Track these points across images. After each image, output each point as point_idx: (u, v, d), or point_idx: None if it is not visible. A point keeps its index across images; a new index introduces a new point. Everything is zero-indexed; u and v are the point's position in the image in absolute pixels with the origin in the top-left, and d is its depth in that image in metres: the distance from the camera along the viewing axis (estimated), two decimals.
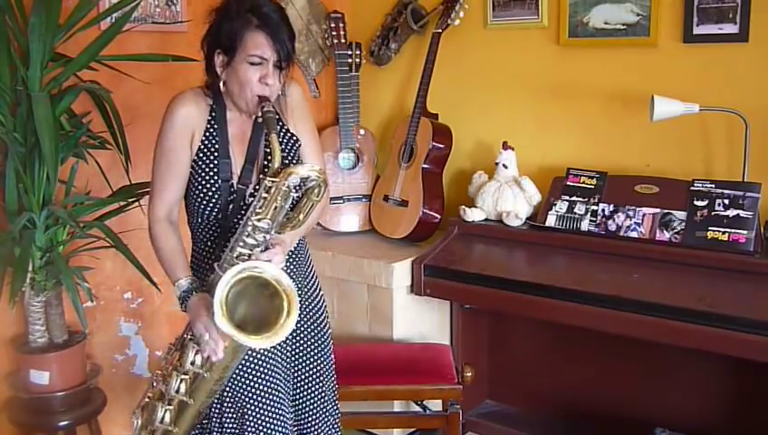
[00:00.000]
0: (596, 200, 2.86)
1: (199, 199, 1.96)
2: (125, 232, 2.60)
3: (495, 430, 3.20)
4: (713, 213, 2.63)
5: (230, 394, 1.98)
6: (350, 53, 3.53)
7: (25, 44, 2.37)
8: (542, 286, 2.70)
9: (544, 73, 3.19)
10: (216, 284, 1.70)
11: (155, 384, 1.95)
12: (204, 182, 1.94)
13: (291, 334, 1.92)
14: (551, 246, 2.90)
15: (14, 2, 2.40)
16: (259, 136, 1.98)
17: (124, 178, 2.68)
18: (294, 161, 2.02)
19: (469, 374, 2.74)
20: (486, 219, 3.12)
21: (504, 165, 3.11)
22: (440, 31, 3.29)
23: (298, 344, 2.10)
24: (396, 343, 3.09)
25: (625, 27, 2.92)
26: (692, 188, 2.71)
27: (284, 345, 2.05)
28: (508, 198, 3.05)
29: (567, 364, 3.13)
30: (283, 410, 2.03)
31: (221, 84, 1.94)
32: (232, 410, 1.98)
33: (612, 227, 2.79)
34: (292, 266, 2.03)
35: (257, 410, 1.98)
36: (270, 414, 1.99)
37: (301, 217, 1.85)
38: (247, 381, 1.98)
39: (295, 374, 2.11)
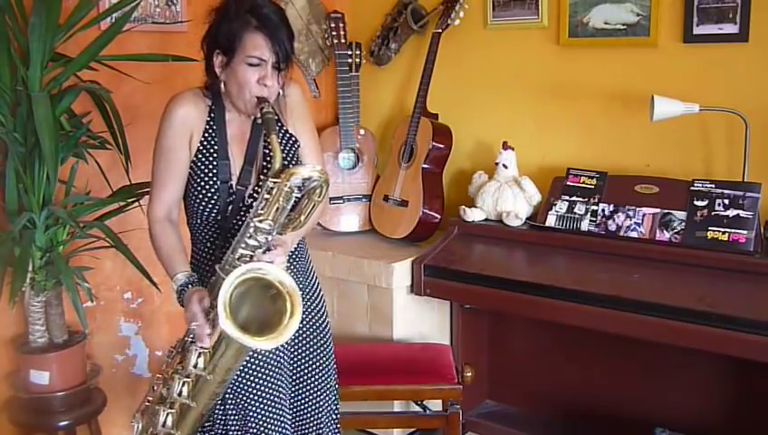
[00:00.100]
0: (596, 200, 2.86)
1: (198, 200, 1.95)
2: (125, 232, 2.60)
3: (495, 430, 3.20)
4: (713, 213, 2.63)
5: (232, 396, 1.98)
6: (350, 53, 3.53)
7: (25, 44, 2.37)
8: (542, 286, 2.70)
9: (544, 73, 3.19)
10: (220, 285, 1.70)
11: (155, 388, 1.95)
12: (203, 183, 1.94)
13: (292, 335, 1.92)
14: (551, 246, 2.90)
15: (14, 2, 2.40)
16: (258, 137, 1.98)
17: (124, 178, 2.68)
18: (294, 162, 2.02)
19: (469, 374, 2.74)
20: (486, 219, 3.12)
21: (503, 165, 3.11)
22: (440, 31, 3.29)
23: (299, 345, 2.10)
24: (396, 343, 3.09)
25: (625, 27, 2.92)
26: (692, 188, 2.71)
27: (285, 346, 2.05)
28: (508, 198, 3.05)
29: (567, 364, 3.13)
30: (284, 410, 2.03)
31: (221, 85, 1.94)
32: (234, 411, 1.98)
33: (612, 227, 2.79)
34: (292, 267, 2.03)
35: (260, 411, 1.98)
36: (272, 415, 1.99)
37: (302, 217, 1.84)
38: (249, 383, 1.98)
39: (296, 374, 2.11)
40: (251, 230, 1.79)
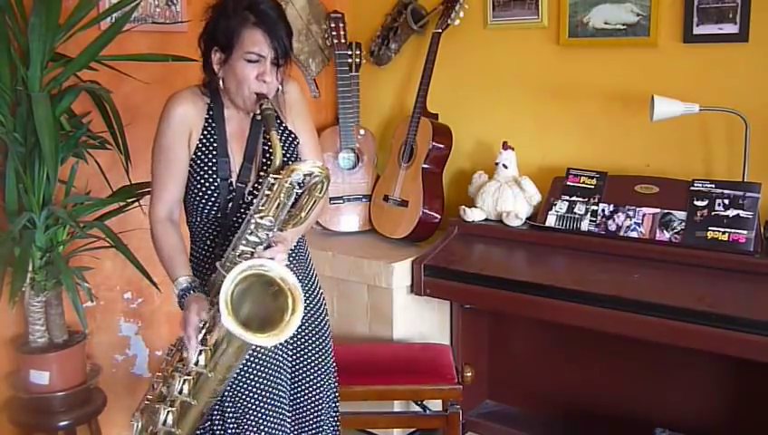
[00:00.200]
0: (596, 200, 2.86)
1: (198, 198, 1.95)
2: (125, 232, 2.60)
3: (495, 430, 3.19)
4: (713, 213, 2.63)
5: (231, 394, 1.98)
6: (350, 53, 3.53)
7: (25, 44, 2.37)
8: (542, 286, 2.70)
9: (544, 73, 3.19)
10: (221, 282, 1.69)
11: (155, 386, 1.95)
12: (202, 181, 1.94)
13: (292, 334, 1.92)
14: (551, 246, 2.90)
15: (14, 2, 2.40)
16: (257, 133, 1.98)
17: (124, 178, 2.68)
18: (293, 159, 2.01)
19: (469, 374, 2.74)
20: (486, 219, 3.12)
21: (504, 165, 3.11)
22: (440, 31, 3.29)
23: (298, 344, 2.10)
24: (396, 343, 3.09)
25: (625, 27, 2.92)
26: (692, 188, 2.71)
27: (285, 344, 2.05)
28: (508, 198, 3.05)
29: (567, 364, 3.13)
30: (283, 409, 2.03)
31: (219, 82, 1.94)
32: (233, 410, 1.98)
33: (612, 227, 2.79)
34: (293, 267, 2.03)
35: (258, 409, 1.98)
36: (270, 414, 1.99)
37: (303, 214, 1.84)
38: (248, 381, 1.98)
39: (295, 373, 2.10)
40: (252, 227, 1.79)
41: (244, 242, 1.79)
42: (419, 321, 3.18)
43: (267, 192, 1.79)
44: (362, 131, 3.57)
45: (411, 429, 3.21)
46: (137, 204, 2.67)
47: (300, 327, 2.07)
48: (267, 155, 1.97)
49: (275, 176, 1.79)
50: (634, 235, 2.74)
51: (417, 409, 2.98)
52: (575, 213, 2.88)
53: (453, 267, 2.93)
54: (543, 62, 3.18)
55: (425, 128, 3.28)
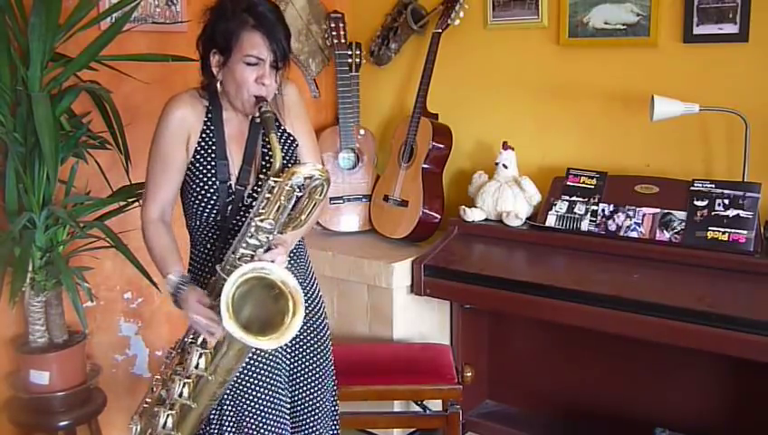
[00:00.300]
0: (596, 200, 2.86)
1: (197, 201, 1.95)
2: (125, 232, 2.60)
3: (495, 430, 3.20)
4: (713, 213, 2.63)
5: (230, 397, 1.97)
6: (350, 53, 3.53)
7: (25, 44, 2.37)
8: (542, 286, 2.70)
9: (544, 73, 3.18)
10: (222, 285, 1.69)
11: (154, 389, 1.95)
12: (202, 184, 1.94)
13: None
14: (551, 246, 2.90)
15: (14, 2, 2.40)
16: (256, 136, 1.97)
17: (124, 178, 2.68)
18: (292, 161, 2.01)
19: (469, 374, 2.74)
20: (486, 219, 3.12)
21: (504, 165, 3.11)
22: (440, 31, 3.29)
23: (297, 346, 2.10)
24: (396, 343, 3.09)
25: (625, 27, 2.92)
26: (692, 188, 2.71)
27: (284, 347, 2.04)
28: (508, 198, 3.05)
29: (567, 364, 3.13)
30: (282, 411, 2.03)
31: (218, 85, 1.93)
32: (232, 413, 1.98)
33: (612, 227, 2.79)
34: (292, 267, 2.03)
35: (256, 411, 1.98)
36: (269, 416, 1.99)
37: (303, 216, 1.84)
38: (247, 384, 1.98)
39: (294, 375, 2.10)
40: (252, 229, 1.79)
41: (244, 245, 1.79)
42: (419, 321, 3.18)
43: (267, 195, 1.79)
44: (362, 131, 3.57)
45: (411, 429, 3.21)
46: (137, 204, 2.67)
47: (299, 330, 2.08)
48: (266, 158, 1.97)
49: (276, 179, 1.79)
50: (634, 235, 2.74)
51: (417, 409, 2.98)
52: (575, 213, 2.88)
53: (453, 267, 2.93)
54: (543, 62, 3.18)
55: (425, 128, 3.28)
